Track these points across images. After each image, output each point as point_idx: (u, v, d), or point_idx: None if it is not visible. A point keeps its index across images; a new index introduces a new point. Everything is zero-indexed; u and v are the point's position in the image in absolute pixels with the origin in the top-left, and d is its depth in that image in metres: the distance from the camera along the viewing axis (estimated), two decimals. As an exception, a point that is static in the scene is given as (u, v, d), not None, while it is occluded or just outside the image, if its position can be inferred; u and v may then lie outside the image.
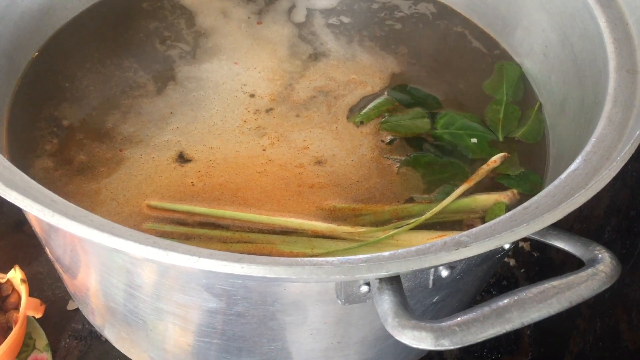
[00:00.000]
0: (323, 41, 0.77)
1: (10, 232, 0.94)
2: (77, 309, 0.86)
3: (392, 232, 0.59)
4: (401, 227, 0.59)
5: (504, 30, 0.78)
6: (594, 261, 0.45)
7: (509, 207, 0.61)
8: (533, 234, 0.46)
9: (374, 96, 0.71)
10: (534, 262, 0.93)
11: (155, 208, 0.60)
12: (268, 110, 0.68)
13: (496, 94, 0.73)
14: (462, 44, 0.79)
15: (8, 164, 0.47)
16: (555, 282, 0.43)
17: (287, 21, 0.79)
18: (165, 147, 0.64)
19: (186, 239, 0.58)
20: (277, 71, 0.72)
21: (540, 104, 0.72)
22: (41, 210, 0.42)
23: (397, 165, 0.65)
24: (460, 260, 0.45)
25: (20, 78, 0.69)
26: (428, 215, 0.60)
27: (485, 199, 0.62)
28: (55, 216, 0.42)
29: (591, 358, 0.77)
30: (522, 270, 0.92)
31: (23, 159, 0.62)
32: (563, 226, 0.46)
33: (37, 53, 0.72)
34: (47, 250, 0.63)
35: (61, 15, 0.75)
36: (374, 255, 0.43)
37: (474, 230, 0.46)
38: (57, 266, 0.64)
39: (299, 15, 0.80)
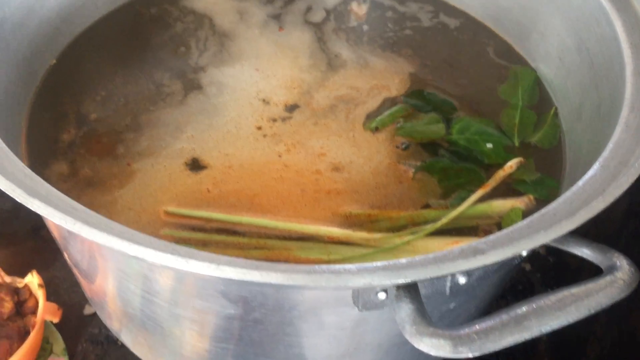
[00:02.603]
0: (343, 48, 0.77)
1: (27, 237, 0.94)
2: (94, 314, 0.86)
3: (407, 238, 0.59)
4: (417, 233, 0.59)
5: (519, 35, 0.78)
6: (612, 268, 0.45)
7: (525, 213, 0.61)
8: (550, 241, 0.46)
9: (394, 101, 0.71)
10: (550, 267, 0.92)
11: (172, 214, 0.60)
12: (285, 119, 0.69)
13: (511, 99, 0.73)
14: (477, 48, 0.79)
15: (29, 171, 0.48)
16: (574, 290, 0.43)
17: (306, 25, 0.79)
18: (179, 155, 0.65)
19: (203, 245, 0.58)
20: (296, 80, 0.73)
21: (556, 109, 0.72)
22: (63, 219, 0.43)
23: (413, 171, 0.65)
24: (477, 267, 0.45)
25: (39, 85, 0.70)
26: (444, 221, 0.60)
27: (502, 205, 0.62)
28: (76, 224, 0.42)
29: (608, 364, 0.77)
30: (538, 274, 0.92)
31: (42, 166, 0.63)
32: (579, 230, 0.46)
33: (55, 60, 0.73)
34: (65, 255, 0.63)
35: (79, 22, 0.76)
36: (391, 262, 0.44)
37: (491, 237, 0.46)
38: (75, 271, 0.65)
39: (317, 17, 0.80)
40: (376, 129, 0.68)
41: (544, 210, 0.48)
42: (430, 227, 0.59)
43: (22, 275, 0.81)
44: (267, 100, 0.70)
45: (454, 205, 0.62)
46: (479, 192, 0.62)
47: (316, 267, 0.43)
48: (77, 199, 0.46)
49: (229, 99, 0.70)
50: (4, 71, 0.64)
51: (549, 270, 0.92)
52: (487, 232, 0.61)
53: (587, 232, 0.48)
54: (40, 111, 0.68)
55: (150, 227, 0.59)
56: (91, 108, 0.69)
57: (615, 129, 0.55)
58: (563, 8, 0.71)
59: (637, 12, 0.63)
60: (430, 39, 0.79)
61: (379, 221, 0.61)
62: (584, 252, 0.48)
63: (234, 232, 0.59)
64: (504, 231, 0.47)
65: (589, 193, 0.49)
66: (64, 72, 0.72)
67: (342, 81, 0.73)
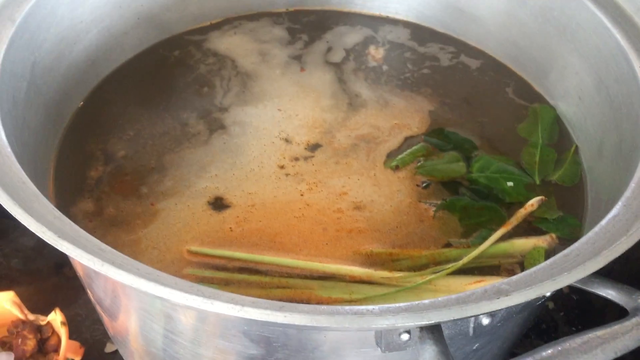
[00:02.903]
0: (363, 88, 0.78)
1: (50, 275, 0.95)
2: (115, 352, 0.86)
3: (429, 277, 0.59)
4: (439, 272, 0.59)
5: (537, 74, 0.79)
6: (637, 310, 0.45)
7: (548, 252, 0.61)
8: (574, 282, 0.46)
9: (415, 140, 0.72)
10: (573, 305, 0.91)
11: (195, 253, 0.61)
12: (307, 158, 0.69)
13: (531, 137, 0.73)
14: (496, 87, 0.80)
15: (58, 213, 0.49)
16: (600, 332, 0.43)
17: (327, 65, 0.81)
18: (203, 194, 0.66)
19: (226, 284, 0.59)
20: (318, 119, 0.74)
21: (577, 147, 0.72)
22: (91, 260, 0.43)
23: (434, 210, 0.65)
24: (501, 309, 0.44)
25: (66, 127, 0.71)
26: (465, 260, 0.60)
27: (524, 244, 0.62)
28: (104, 265, 0.43)
29: (636, 406, 0.75)
30: (562, 313, 0.91)
31: (68, 205, 0.64)
32: (603, 269, 0.46)
33: (82, 103, 0.74)
34: (89, 292, 0.64)
35: (106, 66, 0.78)
36: (415, 303, 0.44)
37: (514, 278, 0.46)
38: (98, 308, 0.66)
39: (337, 57, 0.82)
40: (397, 168, 0.69)
41: (567, 251, 0.48)
42: (451, 266, 0.59)
43: (45, 312, 0.82)
44: (289, 139, 0.71)
45: (476, 244, 0.62)
46: (501, 231, 0.62)
47: (339, 308, 0.43)
48: (102, 238, 0.47)
49: (251, 138, 0.71)
50: (34, 113, 0.66)
51: (572, 308, 0.91)
52: (510, 271, 0.60)
53: (610, 270, 0.48)
54: (67, 152, 0.69)
55: (174, 266, 0.59)
56: (116, 149, 0.70)
57: (637, 167, 0.55)
58: (581, 48, 0.72)
59: (656, 51, 0.64)
60: (450, 79, 0.80)
61: (401, 260, 0.61)
62: (609, 293, 0.48)
63: (256, 271, 0.60)
64: (527, 272, 0.46)
65: (612, 233, 0.49)
66: (91, 114, 0.74)
67: (363, 120, 0.74)
